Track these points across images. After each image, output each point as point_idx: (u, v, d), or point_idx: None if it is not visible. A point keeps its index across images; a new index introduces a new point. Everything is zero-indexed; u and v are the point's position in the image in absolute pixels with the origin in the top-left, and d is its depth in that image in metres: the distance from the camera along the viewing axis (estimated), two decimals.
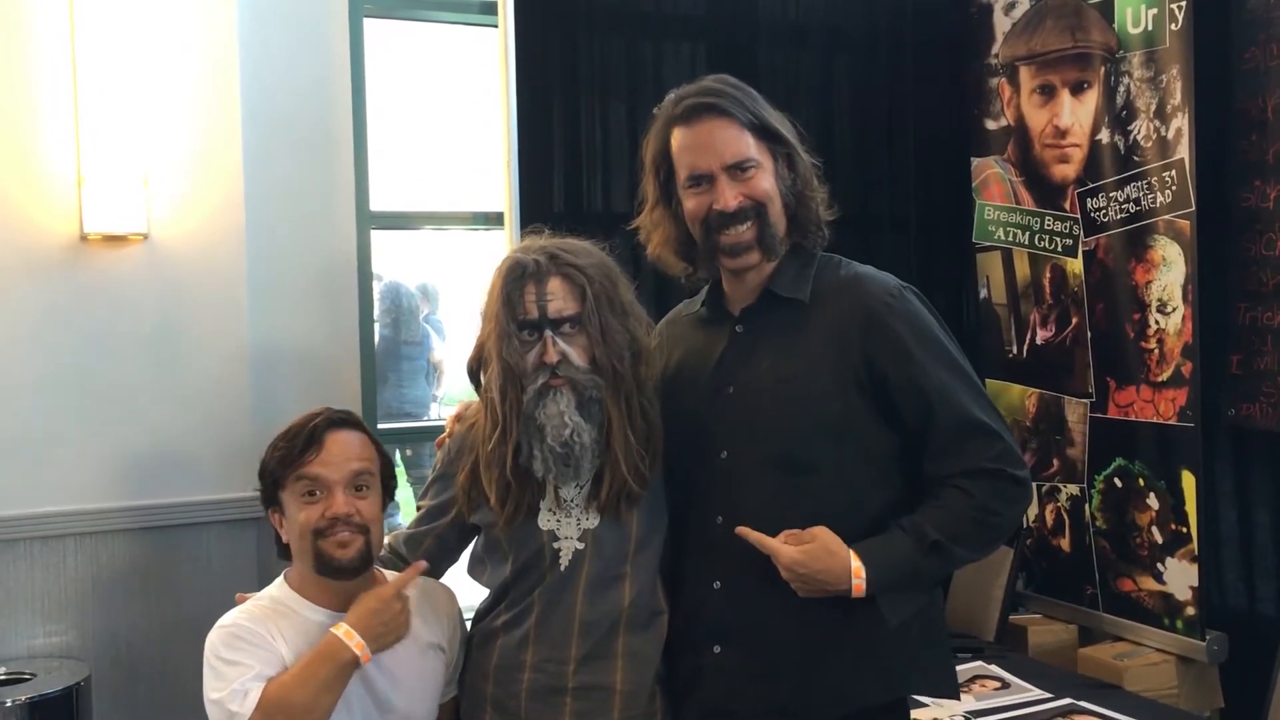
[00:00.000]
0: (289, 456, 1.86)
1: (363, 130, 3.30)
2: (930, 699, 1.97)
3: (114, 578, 2.94)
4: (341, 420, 1.90)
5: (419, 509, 2.06)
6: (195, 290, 3.01)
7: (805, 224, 1.95)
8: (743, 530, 1.83)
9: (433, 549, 2.03)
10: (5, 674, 2.83)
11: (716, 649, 1.89)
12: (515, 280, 1.87)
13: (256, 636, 1.82)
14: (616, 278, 1.94)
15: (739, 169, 1.88)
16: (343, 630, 1.79)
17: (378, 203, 3.36)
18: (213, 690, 1.79)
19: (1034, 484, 3.58)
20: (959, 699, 1.98)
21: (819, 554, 1.78)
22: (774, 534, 1.83)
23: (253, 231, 3.09)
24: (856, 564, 1.77)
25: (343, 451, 1.87)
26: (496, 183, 3.41)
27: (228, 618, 1.87)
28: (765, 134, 1.91)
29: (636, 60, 3.47)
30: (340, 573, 1.85)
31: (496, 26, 3.32)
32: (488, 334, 1.92)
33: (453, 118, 3.98)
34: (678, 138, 1.92)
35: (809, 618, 1.83)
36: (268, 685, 1.77)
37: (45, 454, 2.91)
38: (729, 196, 1.87)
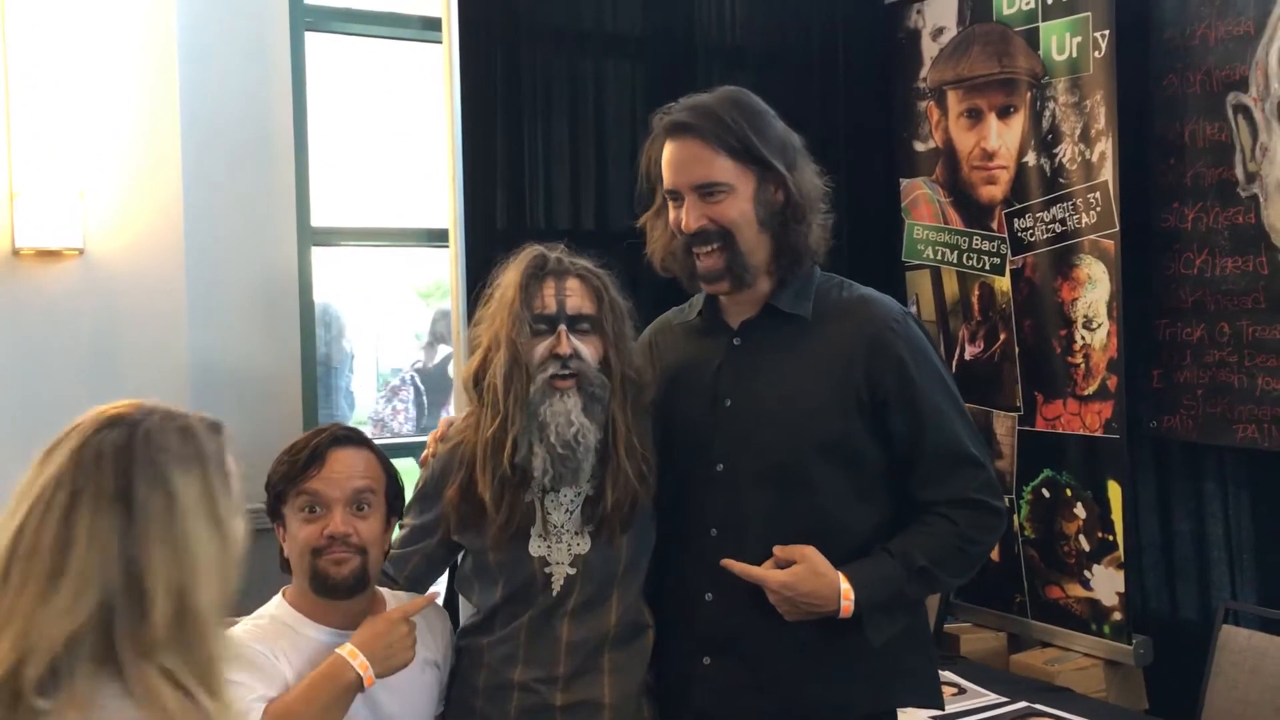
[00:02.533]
0: (291, 472, 1.83)
1: (304, 144, 3.27)
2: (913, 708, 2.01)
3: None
4: (346, 437, 1.87)
5: (403, 527, 2.02)
6: (133, 306, 2.94)
7: (793, 250, 1.90)
8: (727, 563, 1.84)
9: (420, 569, 2.01)
10: None
11: (706, 660, 1.90)
12: (536, 273, 1.87)
13: (259, 656, 1.78)
14: (620, 297, 1.93)
15: (705, 192, 1.86)
16: (347, 651, 1.77)
17: (319, 218, 3.32)
18: None
19: None
20: (943, 709, 2.03)
21: (807, 576, 1.80)
22: (767, 548, 1.84)
23: (192, 246, 3.04)
24: (845, 585, 1.80)
25: (345, 469, 1.84)
26: (440, 199, 3.40)
27: (233, 633, 1.82)
28: (749, 158, 1.86)
29: (578, 78, 3.50)
30: (335, 592, 1.82)
31: (440, 43, 3.31)
32: (499, 325, 1.87)
33: (396, 133, 3.96)
34: (664, 150, 1.91)
35: (799, 631, 1.85)
36: (270, 705, 1.74)
37: None
38: (691, 217, 1.86)
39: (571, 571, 1.88)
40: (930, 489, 1.87)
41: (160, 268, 2.98)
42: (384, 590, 1.95)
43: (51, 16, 2.84)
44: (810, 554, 1.82)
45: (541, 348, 1.84)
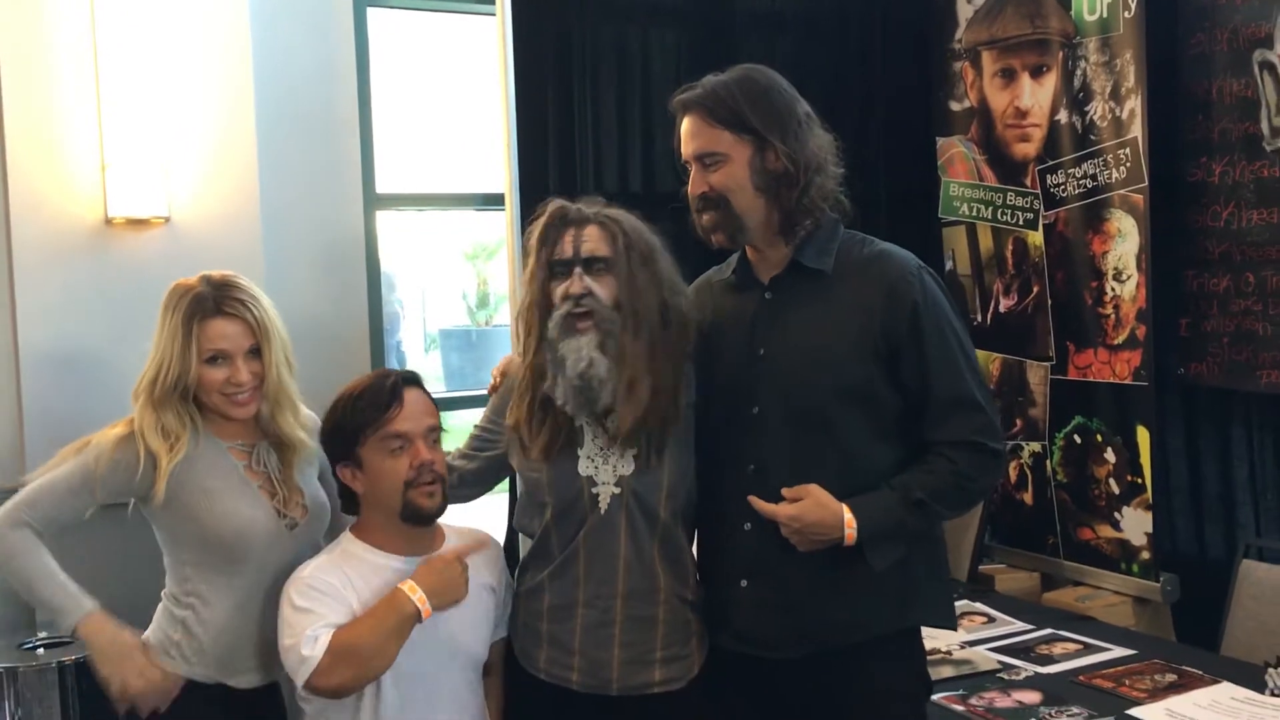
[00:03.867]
0: (374, 413, 2.01)
1: (368, 115, 3.47)
2: (931, 630, 2.20)
3: (144, 548, 3.08)
4: (412, 379, 2.08)
5: (473, 435, 2.24)
6: (214, 269, 3.14)
7: (793, 211, 2.06)
8: (752, 499, 2.03)
9: (476, 473, 2.22)
10: (48, 638, 2.98)
11: (744, 583, 2.09)
12: (556, 223, 2.07)
13: (329, 586, 1.98)
14: (656, 249, 2.11)
15: (705, 161, 2.06)
16: (408, 586, 1.96)
17: (383, 185, 3.52)
18: (286, 637, 1.96)
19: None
20: (956, 630, 2.21)
21: (812, 508, 1.99)
22: (798, 481, 2.02)
23: (266, 213, 3.24)
24: (848, 515, 1.98)
25: (419, 407, 2.05)
26: (495, 165, 3.58)
27: (307, 569, 2.03)
28: (743, 129, 2.04)
29: (624, 47, 3.65)
30: (425, 519, 2.04)
31: (494, 15, 3.48)
32: (526, 274, 2.10)
33: (452, 103, 4.14)
34: (681, 125, 2.12)
35: (827, 556, 2.03)
36: (337, 631, 1.94)
37: (73, 429, 3.03)
38: (696, 184, 2.08)
39: (617, 491, 2.07)
40: (935, 430, 2.04)
41: (238, 233, 3.19)
42: (443, 524, 2.15)
43: (136, 4, 3.04)
44: (814, 490, 2.00)
45: (561, 289, 2.03)
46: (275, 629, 2.02)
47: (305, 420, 2.20)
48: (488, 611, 2.15)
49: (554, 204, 2.11)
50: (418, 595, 1.96)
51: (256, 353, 2.12)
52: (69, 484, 2.12)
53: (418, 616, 1.96)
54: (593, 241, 2.05)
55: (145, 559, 2.27)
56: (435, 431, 2.07)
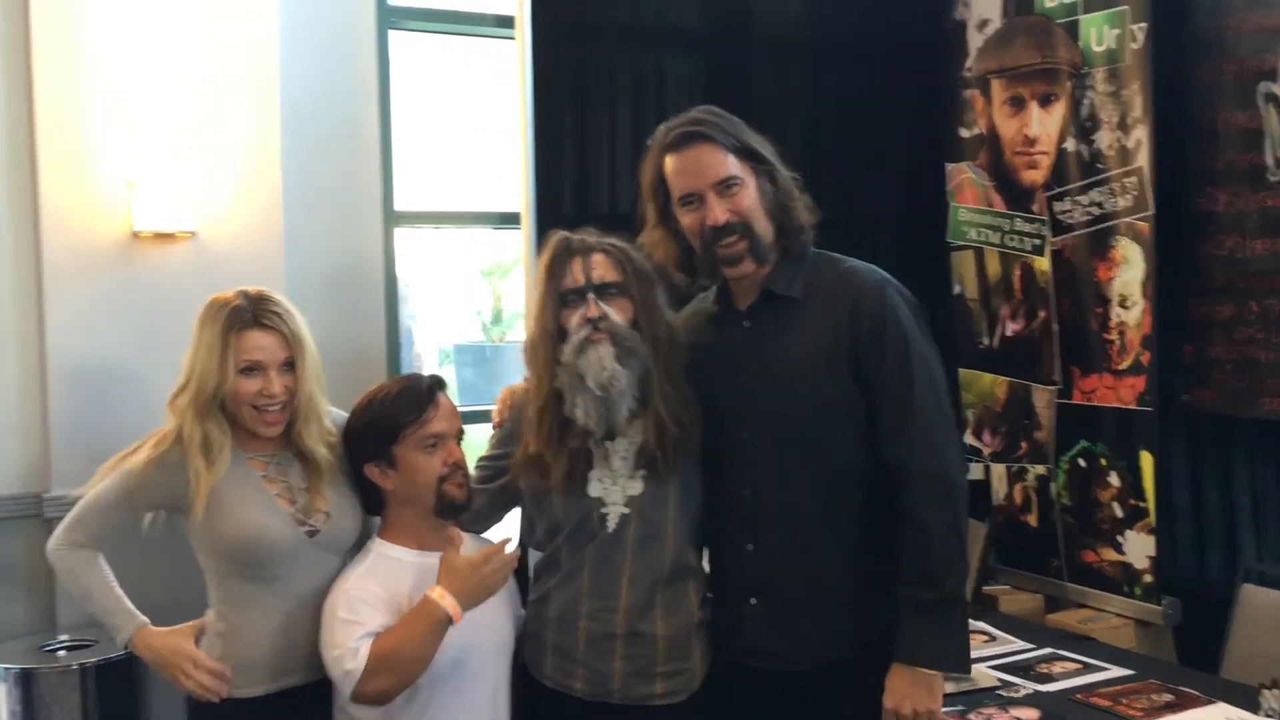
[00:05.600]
0: (413, 413, 2.10)
1: (389, 135, 3.55)
2: None
3: (168, 553, 3.13)
4: (440, 382, 2.18)
5: (478, 468, 2.31)
6: (238, 283, 3.16)
7: (790, 230, 2.17)
8: None
9: (484, 507, 2.28)
10: (70, 640, 3.04)
11: (753, 601, 2.16)
12: (562, 254, 2.13)
13: (372, 596, 2.07)
14: (653, 275, 2.18)
15: (724, 186, 2.11)
16: (437, 593, 2.04)
17: (401, 203, 3.60)
18: (331, 648, 2.04)
19: (1004, 465, 3.92)
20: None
21: (910, 694, 2.03)
22: (792, 501, 2.11)
23: (289, 228, 3.32)
24: (923, 672, 2.03)
25: (449, 409, 2.16)
26: (511, 185, 3.65)
27: (349, 581, 2.10)
28: (746, 154, 2.14)
29: (641, 72, 3.73)
30: (457, 511, 2.14)
31: (513, 39, 3.56)
32: (535, 305, 2.17)
33: (470, 123, 4.23)
34: (670, 163, 2.15)
35: (829, 573, 2.11)
36: (375, 641, 2.02)
37: (98, 440, 3.11)
38: (718, 212, 2.10)
39: (625, 511, 2.14)
40: (890, 445, 2.09)
41: (261, 248, 3.27)
42: (462, 532, 2.21)
43: (165, 23, 3.13)
44: (898, 685, 2.05)
45: (576, 316, 2.09)
46: (310, 635, 2.11)
47: (329, 432, 2.26)
48: (510, 592, 2.25)
49: (557, 236, 2.18)
50: (447, 601, 2.04)
51: (290, 367, 2.19)
52: (110, 499, 2.21)
53: (449, 620, 2.04)
54: (602, 268, 2.12)
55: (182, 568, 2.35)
56: (462, 434, 2.18)
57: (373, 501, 2.20)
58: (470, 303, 11.14)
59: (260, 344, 2.16)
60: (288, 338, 2.19)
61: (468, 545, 2.20)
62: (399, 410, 2.12)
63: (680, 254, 2.21)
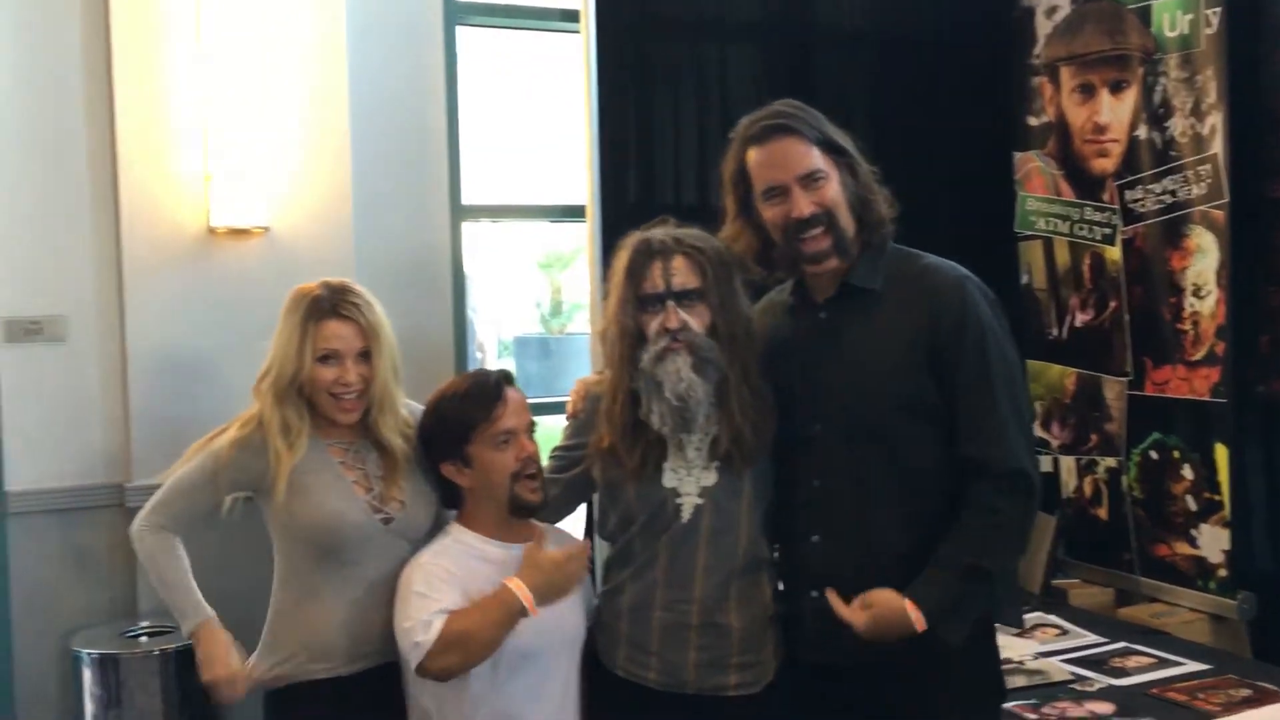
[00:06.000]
0: (483, 411, 2.13)
1: (456, 129, 3.59)
2: (1004, 639, 2.24)
3: (242, 541, 3.20)
4: (509, 377, 2.21)
5: (552, 459, 2.33)
6: (310, 277, 3.22)
7: (871, 223, 2.17)
8: (830, 594, 2.08)
9: (560, 497, 2.31)
10: (150, 626, 3.12)
11: (814, 594, 2.16)
12: (643, 257, 2.14)
13: (447, 574, 2.11)
14: (730, 263, 2.19)
15: (809, 179, 2.12)
16: (516, 585, 2.07)
17: (469, 196, 3.64)
18: (404, 619, 2.08)
19: (1074, 457, 3.88)
20: (1021, 627, 2.24)
21: (885, 616, 2.04)
22: (860, 495, 2.11)
23: (357, 223, 3.37)
24: (915, 613, 2.03)
25: (519, 403, 2.18)
26: (575, 177, 3.68)
27: (425, 556, 2.15)
28: (829, 147, 2.15)
29: (704, 63, 3.73)
30: (531, 512, 2.16)
31: (578, 33, 3.58)
32: (613, 305, 2.18)
33: (536, 117, 4.28)
34: (753, 156, 2.16)
35: (892, 569, 2.10)
36: (450, 619, 2.05)
37: (176, 430, 3.18)
38: (803, 204, 2.11)
39: (700, 501, 2.15)
40: (966, 443, 2.08)
41: (332, 242, 3.33)
42: (542, 525, 2.26)
43: (239, 23, 3.19)
44: (879, 598, 2.05)
45: (655, 324, 2.11)
46: (383, 620, 2.15)
47: (405, 423, 2.31)
48: (587, 590, 2.27)
49: (636, 238, 2.19)
50: (524, 594, 2.06)
51: (366, 357, 2.23)
52: (194, 480, 2.28)
53: (524, 612, 2.06)
54: (682, 275, 2.13)
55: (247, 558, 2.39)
56: (533, 426, 2.20)
57: (451, 497, 2.23)
58: (528, 294, 11.24)
59: (338, 333, 2.21)
60: (364, 328, 2.23)
61: (548, 538, 2.23)
62: (468, 409, 2.14)
63: (759, 247, 2.21)
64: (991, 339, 2.11)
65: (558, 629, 2.19)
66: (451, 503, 2.25)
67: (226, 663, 2.25)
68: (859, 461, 2.12)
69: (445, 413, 2.17)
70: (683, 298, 2.12)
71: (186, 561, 2.30)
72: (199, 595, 2.30)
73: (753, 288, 2.29)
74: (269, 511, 2.28)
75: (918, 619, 2.02)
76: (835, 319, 2.19)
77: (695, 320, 2.12)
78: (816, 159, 2.12)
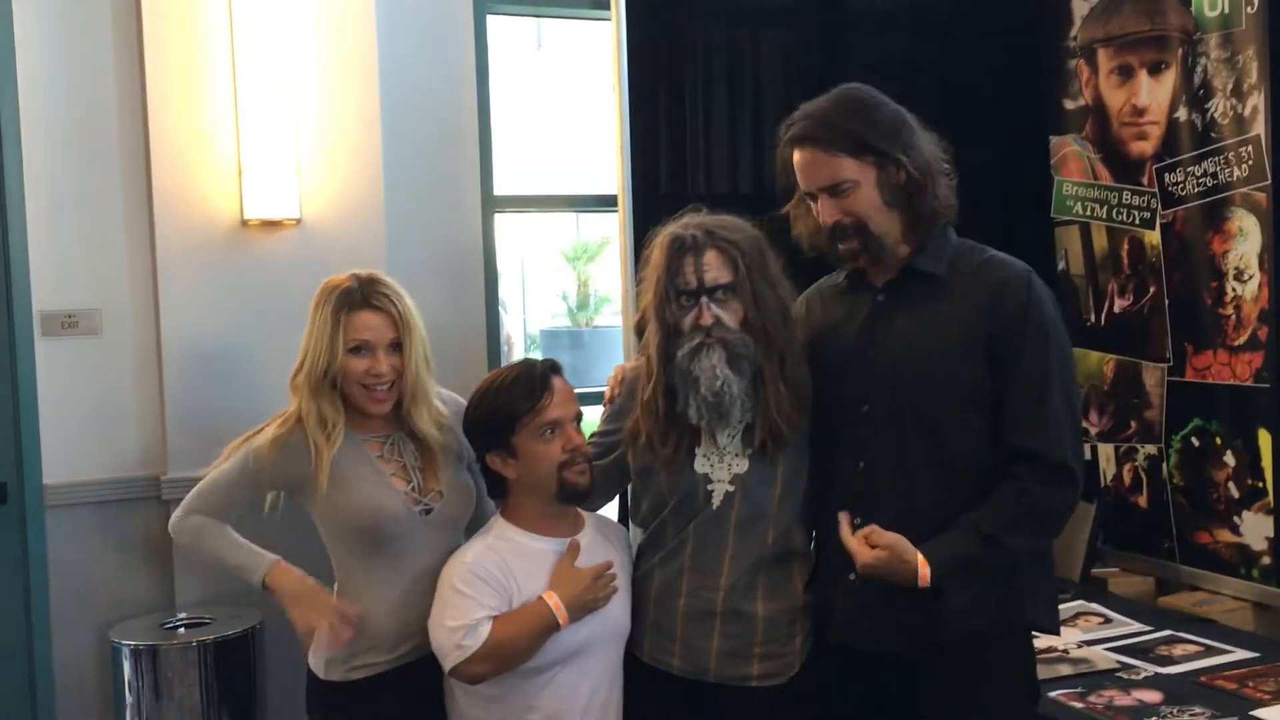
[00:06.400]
0: (528, 402, 2.12)
1: (487, 119, 3.58)
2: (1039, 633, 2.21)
3: (285, 540, 3.19)
4: (555, 367, 2.19)
5: (590, 442, 2.32)
6: (342, 268, 3.18)
7: (926, 216, 2.13)
8: (841, 515, 2.08)
9: (599, 481, 2.29)
10: (188, 618, 3.13)
11: (852, 576, 2.13)
12: (676, 252, 2.13)
13: (489, 574, 2.10)
14: (766, 250, 2.18)
15: (834, 190, 2.10)
16: (553, 602, 2.08)
17: (500, 187, 3.62)
18: (447, 618, 2.08)
19: (1113, 444, 3.83)
20: (1059, 634, 2.22)
21: (892, 562, 2.03)
22: (905, 480, 2.09)
23: (390, 214, 3.36)
24: (924, 569, 2.01)
25: (566, 394, 2.17)
26: (606, 166, 3.65)
27: (469, 554, 2.14)
28: (866, 152, 2.09)
29: (734, 50, 3.70)
30: (579, 498, 2.15)
31: (609, 20, 3.55)
32: (649, 299, 2.17)
33: (567, 106, 4.26)
34: (794, 157, 2.16)
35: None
36: (494, 625, 2.05)
37: (211, 421, 3.20)
38: (826, 214, 2.11)
39: (731, 489, 2.14)
40: (1013, 432, 2.06)
41: (364, 234, 3.32)
42: (586, 513, 2.26)
43: (271, 17, 3.19)
44: (896, 542, 2.04)
45: (688, 318, 2.11)
46: (429, 609, 2.13)
47: (439, 413, 2.30)
48: (627, 576, 2.27)
49: (668, 232, 2.17)
50: (560, 611, 2.08)
51: (397, 348, 2.22)
52: (232, 478, 2.28)
53: (557, 626, 2.08)
54: (715, 269, 2.11)
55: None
56: (580, 416, 2.18)
57: (496, 487, 2.21)
58: (553, 287, 11.23)
59: (369, 324, 2.21)
60: (396, 319, 2.23)
61: (588, 528, 2.22)
62: (514, 399, 2.13)
63: (817, 230, 2.19)
64: (1054, 334, 2.09)
65: (606, 622, 2.18)
66: (497, 493, 2.23)
67: (316, 601, 2.22)
68: (905, 444, 2.10)
69: (490, 403, 2.15)
70: (715, 292, 2.11)
71: (231, 530, 2.30)
72: (255, 547, 2.30)
73: (801, 267, 2.27)
74: (313, 508, 2.28)
75: (924, 574, 2.01)
76: (894, 301, 2.17)
77: (729, 315, 2.11)
78: (842, 169, 2.09)
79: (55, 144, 3.22)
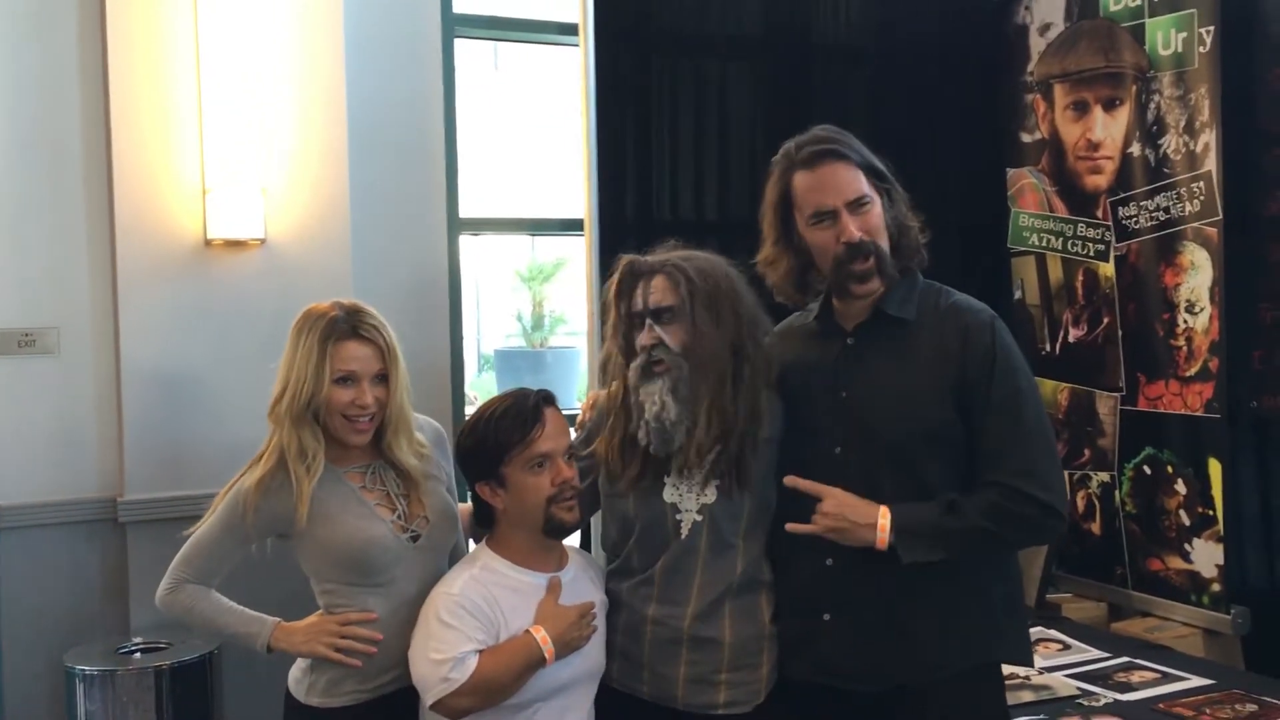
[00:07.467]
0: (519, 433, 2.09)
1: (454, 141, 3.57)
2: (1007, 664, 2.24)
3: (271, 578, 3.06)
4: (549, 398, 2.16)
5: None
6: (307, 289, 3.21)
7: (907, 250, 2.19)
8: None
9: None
10: (144, 642, 3.08)
11: (826, 616, 2.15)
12: (627, 276, 2.18)
13: (475, 607, 2.07)
14: (721, 281, 2.17)
15: (857, 205, 2.12)
16: (540, 637, 2.06)
17: (466, 209, 3.62)
18: (432, 651, 2.04)
19: (1066, 471, 3.89)
20: (1033, 666, 2.25)
21: (851, 518, 2.05)
22: None
23: (356, 236, 3.35)
24: (885, 519, 2.04)
25: (557, 426, 2.14)
26: (567, 190, 3.67)
27: (455, 585, 2.11)
28: (873, 173, 2.16)
29: (702, 78, 3.74)
30: (565, 533, 2.14)
31: (577, 46, 3.58)
32: (609, 324, 2.21)
33: (534, 130, 4.27)
34: (801, 181, 2.15)
35: (908, 592, 2.09)
36: (481, 659, 2.03)
37: (170, 443, 3.16)
38: (853, 229, 2.11)
39: (699, 519, 2.16)
40: (988, 468, 2.08)
41: (330, 254, 3.30)
42: (571, 550, 2.26)
43: (237, 36, 3.17)
44: (850, 500, 2.08)
45: (638, 341, 2.14)
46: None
47: (419, 443, 2.28)
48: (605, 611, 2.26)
49: (625, 260, 2.22)
50: (547, 646, 2.06)
51: (382, 379, 2.21)
52: (217, 535, 2.24)
53: (543, 661, 2.06)
54: (659, 292, 2.14)
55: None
56: (572, 448, 2.17)
57: (485, 516, 2.19)
58: (508, 307, 11.15)
59: (356, 355, 2.19)
60: (383, 350, 2.21)
61: (571, 564, 2.22)
62: (504, 430, 2.10)
63: (796, 272, 2.22)
64: (1023, 378, 2.13)
65: (587, 660, 2.17)
66: (486, 522, 2.21)
67: (326, 628, 2.19)
68: (877, 485, 2.11)
69: (481, 432, 2.13)
70: (659, 315, 2.14)
71: (222, 599, 2.27)
72: (252, 612, 2.26)
73: (774, 311, 2.29)
74: (299, 546, 2.25)
75: (883, 530, 2.04)
76: (863, 345, 2.20)
77: (671, 337, 2.13)
78: (864, 184, 2.13)
79: (14, 159, 3.17)
